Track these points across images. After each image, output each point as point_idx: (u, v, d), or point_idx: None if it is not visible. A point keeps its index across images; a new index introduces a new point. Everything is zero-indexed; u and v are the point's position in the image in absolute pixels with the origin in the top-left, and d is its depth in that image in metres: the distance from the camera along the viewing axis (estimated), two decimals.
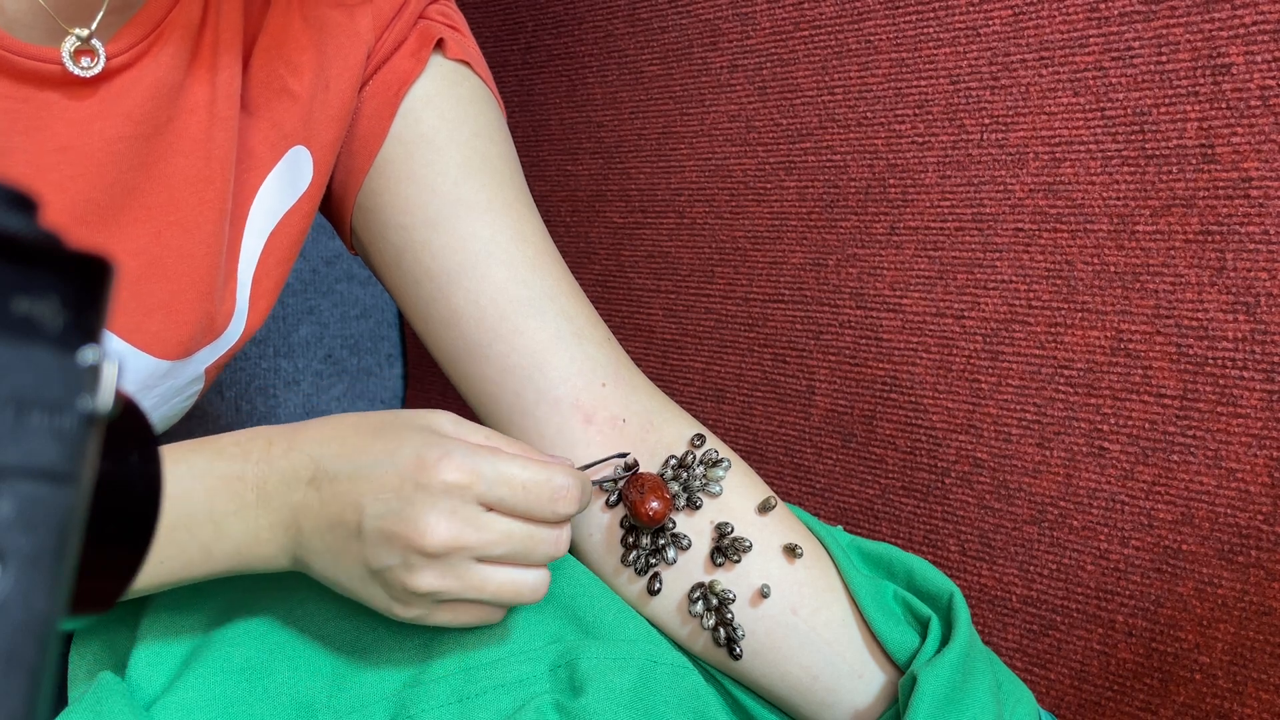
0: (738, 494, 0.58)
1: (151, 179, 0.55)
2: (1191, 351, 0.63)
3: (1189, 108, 0.61)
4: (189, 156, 0.56)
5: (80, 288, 0.19)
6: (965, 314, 0.73)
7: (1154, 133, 0.63)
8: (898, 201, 0.75)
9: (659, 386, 0.63)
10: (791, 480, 0.86)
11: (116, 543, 0.24)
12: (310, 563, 0.50)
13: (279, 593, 0.56)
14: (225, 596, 0.57)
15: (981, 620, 0.74)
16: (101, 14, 0.52)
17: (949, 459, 0.75)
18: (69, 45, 0.51)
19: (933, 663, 0.53)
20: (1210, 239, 0.61)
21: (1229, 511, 0.62)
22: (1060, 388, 0.68)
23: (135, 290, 0.56)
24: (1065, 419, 0.68)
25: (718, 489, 0.58)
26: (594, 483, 0.57)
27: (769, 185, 0.83)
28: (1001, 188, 0.69)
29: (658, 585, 0.57)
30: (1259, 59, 0.58)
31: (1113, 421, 0.66)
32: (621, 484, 0.57)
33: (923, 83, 0.73)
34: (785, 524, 0.58)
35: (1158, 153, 0.63)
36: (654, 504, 0.55)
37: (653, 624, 0.58)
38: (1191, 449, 0.63)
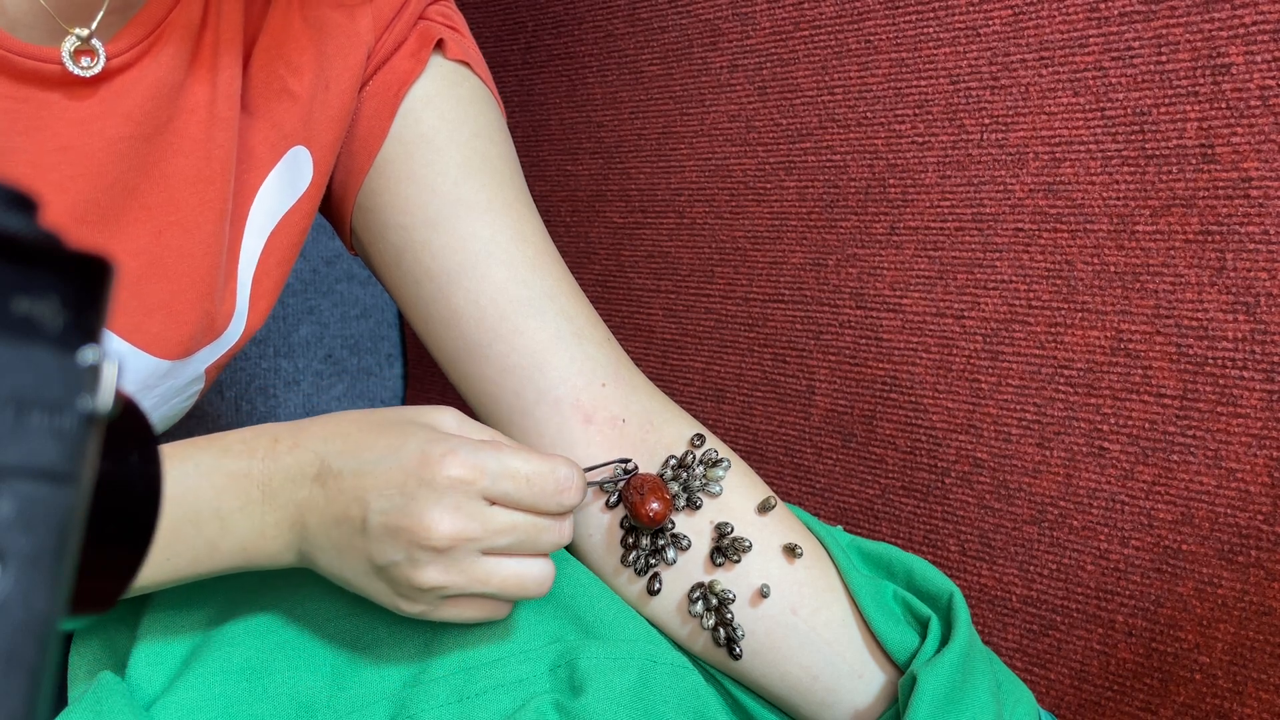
0: (737, 494, 0.58)
1: (152, 179, 0.55)
2: (1191, 351, 0.63)
3: (1189, 108, 0.61)
4: (189, 156, 0.56)
5: (80, 288, 0.20)
6: (965, 314, 0.73)
7: (1154, 133, 0.63)
8: (898, 201, 0.75)
9: (659, 386, 0.63)
10: (791, 480, 0.86)
11: (116, 543, 0.24)
12: (316, 559, 0.50)
13: (279, 592, 0.56)
14: (225, 596, 0.57)
15: (981, 620, 0.74)
16: (102, 14, 0.52)
17: (949, 459, 0.75)
18: (69, 45, 0.51)
19: (932, 663, 0.53)
20: (1210, 239, 0.61)
21: (1229, 511, 0.62)
22: (1060, 388, 0.68)
23: (135, 290, 0.56)
24: (1065, 419, 0.68)
25: (718, 489, 0.58)
26: (594, 484, 0.57)
27: (769, 185, 0.83)
28: (1001, 188, 0.69)
29: (658, 585, 0.57)
30: (1259, 59, 0.58)
31: (1113, 421, 0.66)
32: (621, 485, 0.58)
33: (923, 83, 0.73)
34: (785, 524, 0.58)
35: (1158, 153, 0.63)
36: (654, 505, 0.55)
37: (653, 624, 0.58)
38: (1191, 449, 0.63)
